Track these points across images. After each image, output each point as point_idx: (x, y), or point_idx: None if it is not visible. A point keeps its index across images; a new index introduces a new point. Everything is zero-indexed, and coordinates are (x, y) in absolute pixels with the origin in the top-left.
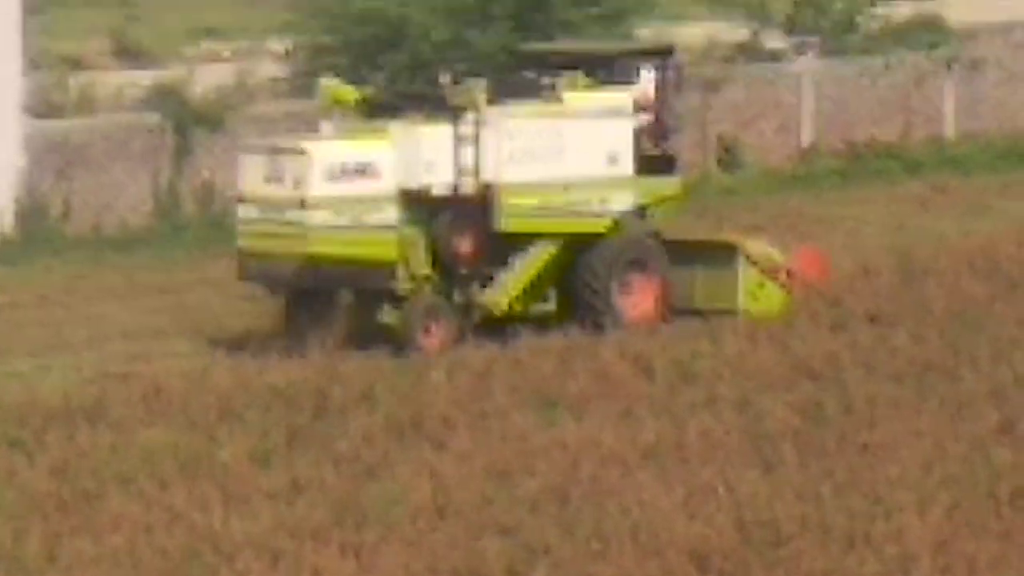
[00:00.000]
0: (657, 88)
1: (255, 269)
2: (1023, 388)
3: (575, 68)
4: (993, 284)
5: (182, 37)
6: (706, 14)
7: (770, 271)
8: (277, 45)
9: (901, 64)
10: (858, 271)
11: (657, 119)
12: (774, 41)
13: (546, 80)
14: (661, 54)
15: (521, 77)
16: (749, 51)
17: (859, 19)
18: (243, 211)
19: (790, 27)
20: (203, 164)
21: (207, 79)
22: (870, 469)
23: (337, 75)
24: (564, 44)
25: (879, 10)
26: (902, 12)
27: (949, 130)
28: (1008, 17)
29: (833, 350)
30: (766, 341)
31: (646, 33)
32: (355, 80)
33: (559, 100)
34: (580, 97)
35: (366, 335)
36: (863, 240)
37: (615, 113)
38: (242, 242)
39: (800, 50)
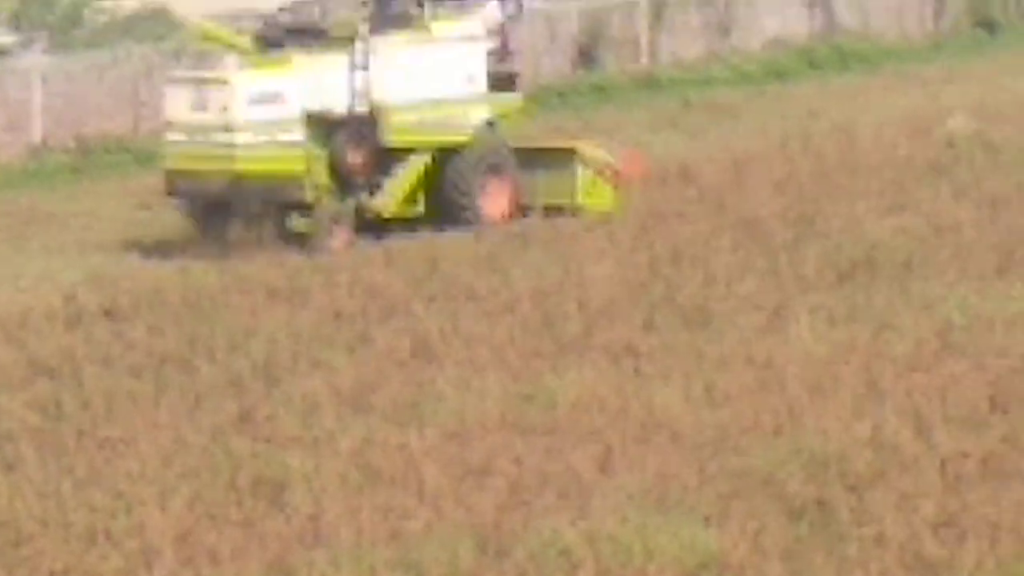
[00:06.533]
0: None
1: (183, 186)
2: (260, 377)
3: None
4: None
5: None
6: None
7: (601, 171)
8: None
9: (129, 57)
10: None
11: (502, 43)
12: (1, 37)
13: (414, 11)
14: None
15: (388, 10)
16: None
17: (86, 13)
18: (171, 135)
19: (17, 23)
20: None
21: None
22: (110, 464)
23: None
24: None
25: (106, 3)
26: (129, 5)
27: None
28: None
29: (69, 346)
30: (2, 339)
31: None
32: None
33: (427, 29)
34: (443, 26)
35: None
36: (94, 236)
37: (471, 39)
38: (170, 163)
39: (27, 45)
